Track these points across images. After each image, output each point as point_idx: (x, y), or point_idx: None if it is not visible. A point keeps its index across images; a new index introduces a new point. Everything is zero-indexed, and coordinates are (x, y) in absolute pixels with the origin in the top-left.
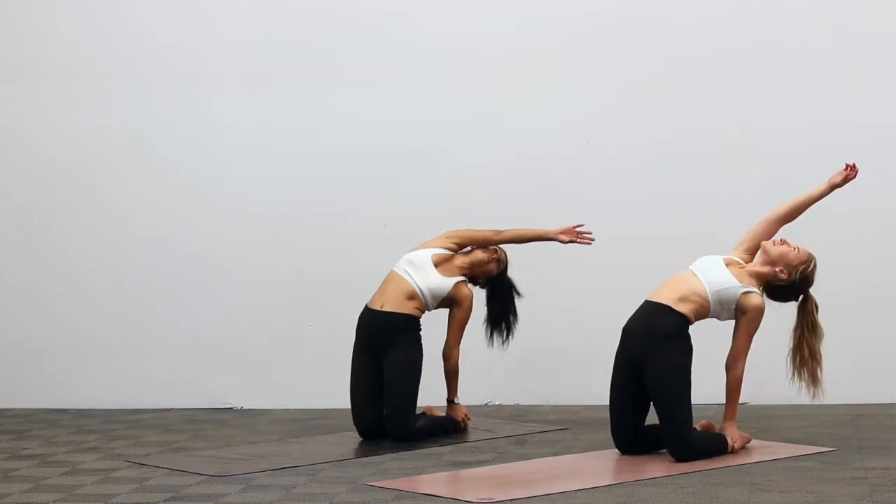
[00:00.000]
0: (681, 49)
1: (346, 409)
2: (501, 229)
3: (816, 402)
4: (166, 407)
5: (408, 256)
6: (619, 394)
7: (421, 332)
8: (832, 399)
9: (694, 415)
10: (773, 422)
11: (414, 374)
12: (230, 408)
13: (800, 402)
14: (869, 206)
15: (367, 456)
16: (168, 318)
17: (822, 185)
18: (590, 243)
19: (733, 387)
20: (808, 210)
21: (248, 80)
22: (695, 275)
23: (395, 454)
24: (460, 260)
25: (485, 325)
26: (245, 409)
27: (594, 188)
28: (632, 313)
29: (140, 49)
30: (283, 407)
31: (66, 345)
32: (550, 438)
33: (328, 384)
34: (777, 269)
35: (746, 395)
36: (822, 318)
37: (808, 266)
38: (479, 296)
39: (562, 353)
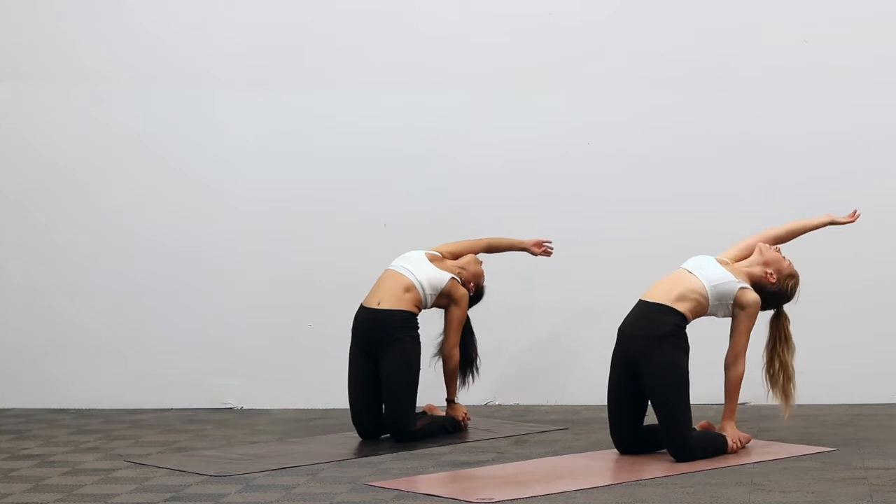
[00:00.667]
0: (681, 49)
1: (347, 409)
2: (478, 239)
3: (788, 417)
4: (166, 407)
5: (401, 256)
6: (616, 395)
7: (419, 331)
8: (832, 399)
9: (694, 415)
10: (773, 422)
11: (413, 374)
12: (230, 408)
13: (800, 402)
14: (869, 206)
15: (367, 456)
16: (168, 318)
17: (822, 217)
18: (549, 255)
19: (734, 385)
20: (808, 211)
21: (249, 81)
22: (690, 272)
23: (395, 454)
24: (452, 264)
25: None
26: (245, 409)
27: (594, 188)
28: (626, 314)
29: (140, 49)
30: (283, 407)
31: (66, 345)
32: (550, 438)
33: (328, 384)
34: (768, 272)
35: (746, 395)
36: (796, 331)
37: (795, 280)
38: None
39: (561, 354)
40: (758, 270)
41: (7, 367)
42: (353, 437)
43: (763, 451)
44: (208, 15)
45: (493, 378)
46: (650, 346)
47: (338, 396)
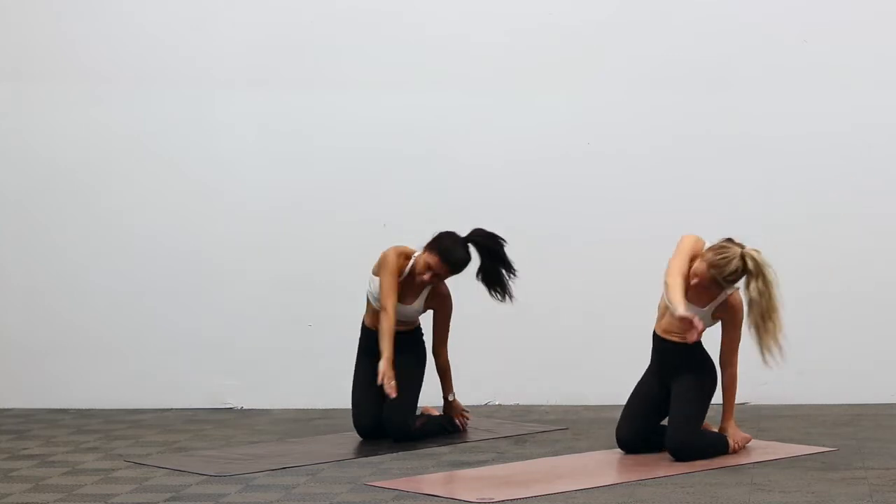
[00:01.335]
0: (681, 49)
1: (347, 409)
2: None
3: (776, 363)
4: (166, 407)
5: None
6: (642, 391)
7: (423, 334)
8: (832, 399)
9: None
10: (773, 422)
11: (418, 376)
12: (230, 408)
13: (800, 402)
14: (869, 207)
15: (367, 456)
16: (168, 318)
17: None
18: (462, 429)
19: (730, 383)
20: (808, 211)
21: (249, 81)
22: None
23: (395, 454)
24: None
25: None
26: (245, 409)
27: (594, 188)
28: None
29: (140, 49)
30: (283, 407)
31: (66, 345)
32: (550, 438)
33: (328, 384)
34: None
35: (746, 395)
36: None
37: (724, 262)
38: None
39: (561, 354)
40: (709, 276)
41: (7, 367)
42: (353, 437)
43: (763, 451)
44: (208, 15)
45: (493, 378)
46: (688, 349)
47: (338, 396)
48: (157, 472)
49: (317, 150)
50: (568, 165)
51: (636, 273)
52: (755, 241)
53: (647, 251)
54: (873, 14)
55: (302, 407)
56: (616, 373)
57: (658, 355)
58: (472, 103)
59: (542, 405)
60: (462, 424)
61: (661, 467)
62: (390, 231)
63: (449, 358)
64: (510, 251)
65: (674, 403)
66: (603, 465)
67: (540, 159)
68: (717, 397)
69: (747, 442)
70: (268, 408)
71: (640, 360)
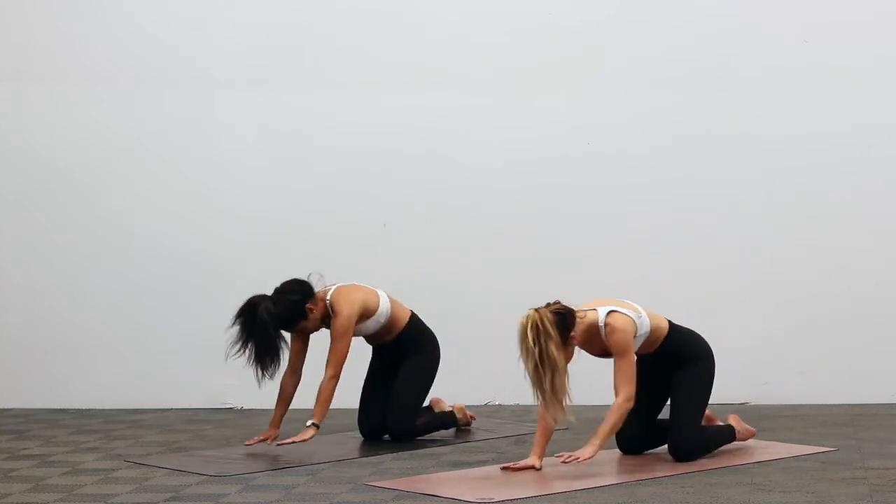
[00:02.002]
0: (681, 49)
1: (346, 409)
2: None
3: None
4: (166, 407)
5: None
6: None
7: (427, 328)
8: (832, 399)
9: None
10: (773, 422)
11: (417, 378)
12: (230, 408)
13: (800, 402)
14: (869, 207)
15: (367, 456)
16: (168, 318)
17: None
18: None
19: (611, 412)
20: (808, 211)
21: (249, 81)
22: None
23: (395, 454)
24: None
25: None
26: (245, 409)
27: (594, 188)
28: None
29: (140, 49)
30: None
31: (66, 345)
32: (550, 438)
33: None
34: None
35: (746, 395)
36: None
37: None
38: None
39: None
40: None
41: (7, 367)
42: (353, 437)
43: (763, 451)
44: (208, 15)
45: (493, 378)
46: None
47: (338, 396)
48: (157, 472)
49: (317, 150)
50: (568, 165)
51: (636, 273)
52: (755, 241)
53: (647, 251)
54: (873, 14)
55: (302, 407)
56: None
57: (645, 365)
58: (472, 103)
59: None
60: (467, 421)
61: (661, 467)
62: (390, 231)
63: (329, 386)
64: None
65: (672, 404)
66: (603, 465)
67: (540, 159)
68: (717, 398)
69: (751, 435)
70: (268, 408)
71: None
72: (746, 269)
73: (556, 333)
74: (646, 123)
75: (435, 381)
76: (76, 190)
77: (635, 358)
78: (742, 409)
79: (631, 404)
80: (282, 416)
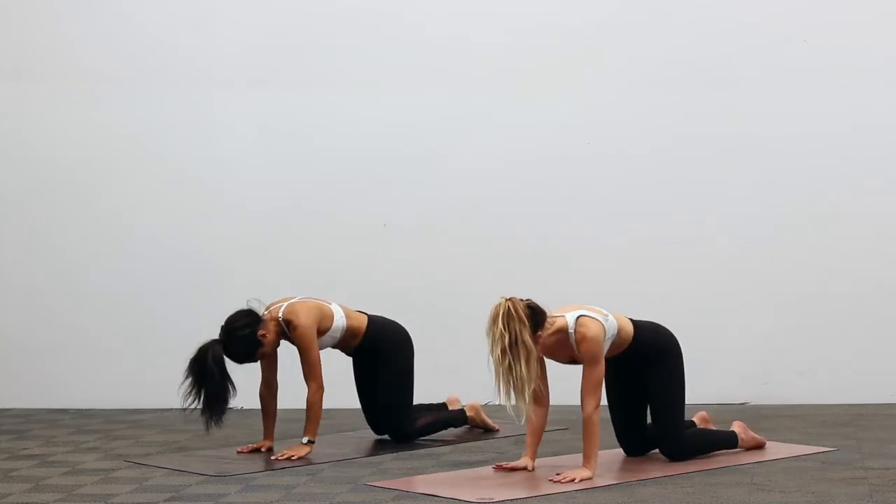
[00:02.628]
0: (681, 49)
1: (346, 410)
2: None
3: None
4: (166, 407)
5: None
6: (620, 398)
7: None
8: (832, 399)
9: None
10: (773, 422)
11: (396, 379)
12: (230, 408)
13: (800, 402)
14: (869, 207)
15: (367, 456)
16: (168, 318)
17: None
18: None
19: (585, 429)
20: (808, 211)
21: (248, 80)
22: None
23: (395, 454)
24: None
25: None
26: (245, 409)
27: (594, 188)
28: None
29: (140, 49)
30: (283, 407)
31: (66, 345)
32: (550, 438)
33: (328, 384)
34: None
35: (746, 395)
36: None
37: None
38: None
39: None
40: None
41: (7, 367)
42: (353, 437)
43: (763, 451)
44: (208, 15)
45: (493, 378)
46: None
47: (338, 396)
48: (157, 472)
49: (317, 150)
50: (568, 165)
51: (636, 273)
52: (755, 241)
53: (647, 251)
54: (873, 14)
55: (302, 407)
56: None
57: (621, 365)
58: (472, 103)
59: None
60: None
61: (661, 467)
62: (390, 231)
63: (316, 399)
64: (511, 251)
65: (652, 412)
66: (603, 465)
67: (540, 159)
68: (712, 398)
69: (761, 445)
70: None
71: None
72: (746, 269)
73: (528, 323)
74: (646, 123)
75: (434, 381)
76: (76, 190)
77: (604, 366)
78: (742, 409)
79: (598, 412)
80: (272, 427)
